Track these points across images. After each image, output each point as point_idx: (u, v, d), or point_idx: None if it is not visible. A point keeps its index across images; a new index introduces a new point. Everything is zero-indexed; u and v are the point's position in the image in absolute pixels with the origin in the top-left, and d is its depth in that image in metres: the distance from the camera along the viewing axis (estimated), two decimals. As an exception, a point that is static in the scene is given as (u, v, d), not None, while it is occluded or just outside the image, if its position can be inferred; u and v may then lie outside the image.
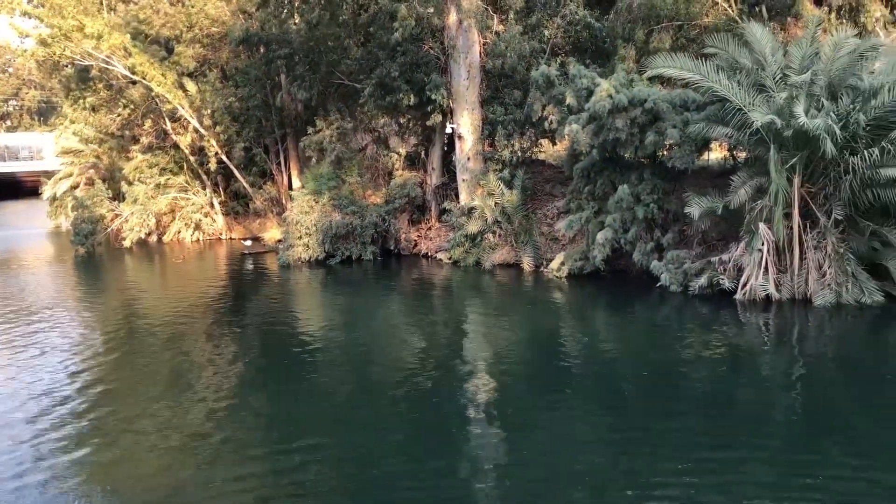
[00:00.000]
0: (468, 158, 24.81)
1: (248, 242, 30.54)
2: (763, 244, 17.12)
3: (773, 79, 18.03)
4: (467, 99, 24.49)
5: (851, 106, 17.05)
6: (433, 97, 23.85)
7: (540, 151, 26.55)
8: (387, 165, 28.20)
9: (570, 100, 20.19)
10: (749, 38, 18.56)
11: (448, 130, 26.83)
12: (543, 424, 10.66)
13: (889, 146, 16.32)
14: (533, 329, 16.72)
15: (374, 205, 26.58)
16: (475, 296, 20.78)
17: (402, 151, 28.56)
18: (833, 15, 22.10)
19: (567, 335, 16.07)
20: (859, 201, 16.87)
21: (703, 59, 18.59)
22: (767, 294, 17.01)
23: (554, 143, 25.54)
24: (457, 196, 25.48)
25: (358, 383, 13.05)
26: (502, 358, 14.25)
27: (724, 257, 17.97)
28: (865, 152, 16.57)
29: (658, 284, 18.87)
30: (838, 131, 16.41)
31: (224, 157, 31.14)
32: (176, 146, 33.26)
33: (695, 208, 18.10)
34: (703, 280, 18.01)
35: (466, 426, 10.77)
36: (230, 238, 33.57)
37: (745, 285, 17.27)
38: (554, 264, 21.82)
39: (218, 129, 30.37)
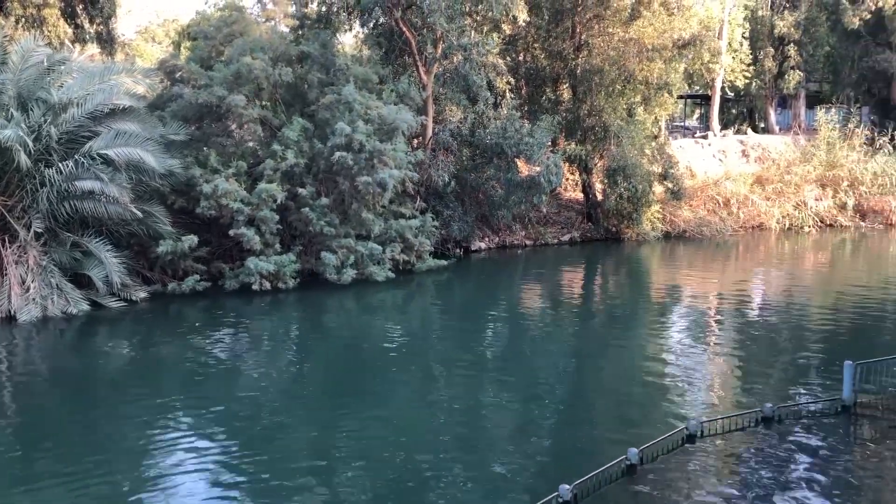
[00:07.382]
0: None
1: None
2: (-43, 262, 15.60)
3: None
4: None
5: (43, 118, 17.03)
6: None
7: None
8: None
9: None
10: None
11: None
12: None
13: (83, 159, 16.90)
14: None
15: None
16: None
17: None
18: (19, 25, 21.79)
19: None
20: (58, 213, 16.99)
21: None
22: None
23: None
24: None
25: None
26: None
27: (-88, 280, 15.65)
28: (60, 165, 16.81)
29: None
30: (31, 143, 16.21)
31: None
32: None
33: None
34: None
35: None
36: None
37: (-61, 309, 15.40)
38: None
39: None
